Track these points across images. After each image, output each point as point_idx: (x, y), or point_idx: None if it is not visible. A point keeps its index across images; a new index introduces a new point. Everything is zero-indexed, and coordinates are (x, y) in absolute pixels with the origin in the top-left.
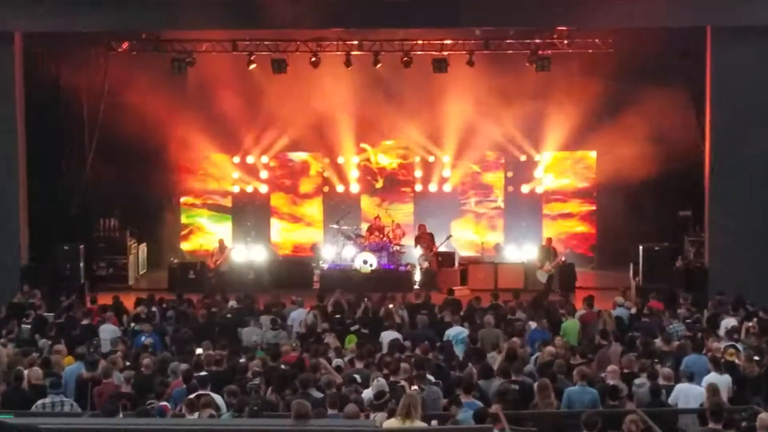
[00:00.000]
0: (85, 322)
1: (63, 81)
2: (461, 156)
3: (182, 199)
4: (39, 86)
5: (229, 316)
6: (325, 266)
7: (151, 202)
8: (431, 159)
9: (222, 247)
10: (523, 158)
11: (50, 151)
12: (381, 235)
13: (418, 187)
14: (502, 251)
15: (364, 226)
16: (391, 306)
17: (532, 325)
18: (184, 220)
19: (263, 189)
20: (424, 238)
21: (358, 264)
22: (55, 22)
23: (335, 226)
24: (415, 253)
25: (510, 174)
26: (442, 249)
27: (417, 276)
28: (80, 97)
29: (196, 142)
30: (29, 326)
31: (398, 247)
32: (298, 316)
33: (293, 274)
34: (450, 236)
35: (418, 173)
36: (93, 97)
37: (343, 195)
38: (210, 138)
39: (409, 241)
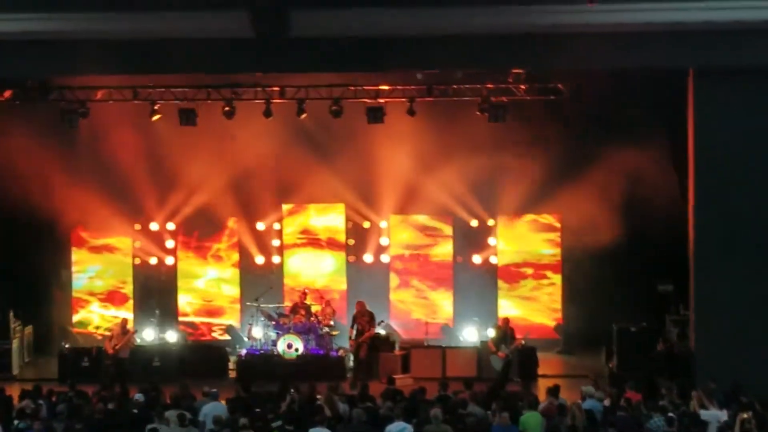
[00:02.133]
0: None
1: None
2: (401, 221)
3: (74, 275)
4: None
5: (134, 411)
6: (243, 351)
7: (37, 278)
8: (366, 224)
9: (124, 329)
10: (474, 223)
11: None
12: (308, 315)
13: (351, 258)
14: (450, 333)
15: (288, 304)
16: (319, 397)
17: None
18: (75, 294)
19: (169, 260)
20: (362, 318)
21: (281, 348)
22: None
23: (254, 303)
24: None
25: (459, 242)
26: (379, 330)
27: (351, 362)
28: None
29: (91, 207)
30: None
31: (328, 329)
32: (212, 410)
33: (206, 360)
34: (381, 321)
35: (351, 241)
36: None
37: (263, 267)
38: (107, 202)
39: (340, 320)
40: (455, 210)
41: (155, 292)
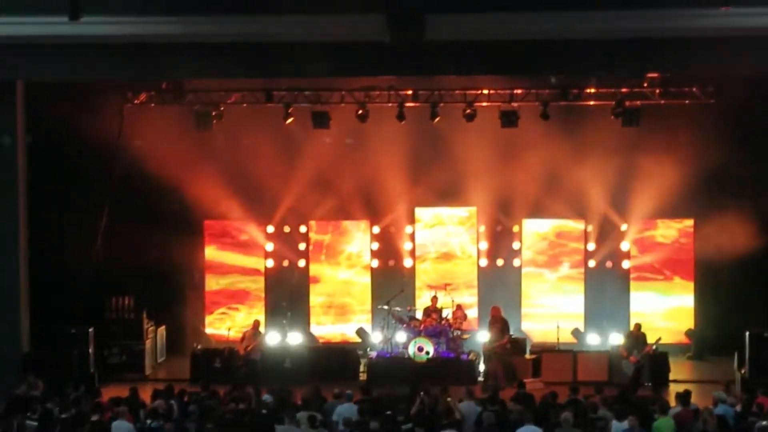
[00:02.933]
0: (94, 418)
1: (72, 138)
2: (535, 225)
3: (207, 275)
4: (44, 144)
5: (264, 411)
6: (374, 354)
7: (170, 278)
8: (499, 228)
9: (256, 331)
10: (607, 228)
11: (55, 218)
12: (439, 318)
13: (483, 262)
14: (582, 338)
15: (420, 308)
16: (450, 400)
17: (619, 425)
18: (207, 295)
19: (301, 263)
20: (496, 325)
21: (412, 351)
22: (59, 71)
23: (385, 307)
24: (479, 340)
25: (592, 247)
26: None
27: (481, 366)
28: (92, 156)
29: (224, 209)
30: (35, 423)
31: (459, 332)
32: (345, 411)
33: (336, 363)
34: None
35: (484, 245)
36: (106, 157)
37: (394, 270)
38: (240, 204)
39: (471, 324)
40: (588, 214)
41: (287, 294)
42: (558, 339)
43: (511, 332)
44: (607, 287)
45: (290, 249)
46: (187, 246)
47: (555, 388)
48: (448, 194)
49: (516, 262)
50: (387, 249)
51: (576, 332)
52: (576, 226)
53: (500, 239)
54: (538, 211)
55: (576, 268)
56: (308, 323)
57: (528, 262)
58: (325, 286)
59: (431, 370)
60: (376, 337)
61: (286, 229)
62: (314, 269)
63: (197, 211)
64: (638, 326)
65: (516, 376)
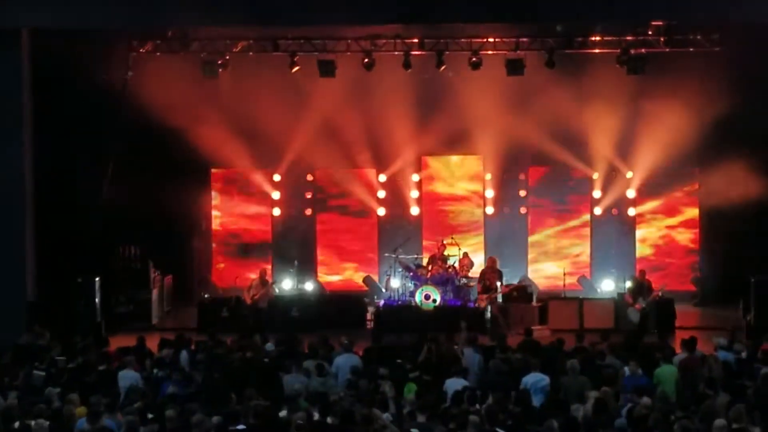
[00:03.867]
0: (101, 367)
1: (78, 85)
2: (540, 173)
3: (214, 223)
4: (50, 90)
5: (266, 360)
6: (381, 302)
7: (177, 227)
8: (505, 176)
9: (263, 280)
10: (612, 175)
11: (62, 165)
12: (446, 266)
13: (489, 210)
14: (588, 285)
15: (426, 255)
16: (456, 346)
17: (626, 370)
18: (215, 244)
19: (308, 212)
20: (489, 276)
21: (419, 299)
22: (65, 18)
23: (392, 254)
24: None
25: (598, 194)
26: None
27: (488, 313)
28: (98, 102)
29: (232, 157)
30: (42, 372)
31: (466, 280)
32: (345, 361)
33: (343, 311)
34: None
35: (490, 193)
36: (112, 103)
37: (401, 219)
38: (247, 152)
39: (477, 272)
40: (593, 162)
41: (294, 242)
42: (564, 286)
43: (514, 282)
44: (612, 234)
45: (297, 197)
46: (194, 194)
47: (561, 336)
48: (454, 142)
49: (522, 210)
50: (393, 197)
51: (582, 280)
52: (582, 174)
53: (506, 187)
54: (543, 158)
55: (581, 216)
56: (315, 272)
57: (534, 209)
58: (333, 234)
59: (438, 318)
60: (382, 285)
61: (293, 177)
62: (321, 218)
63: (204, 159)
64: (643, 273)
65: (513, 323)
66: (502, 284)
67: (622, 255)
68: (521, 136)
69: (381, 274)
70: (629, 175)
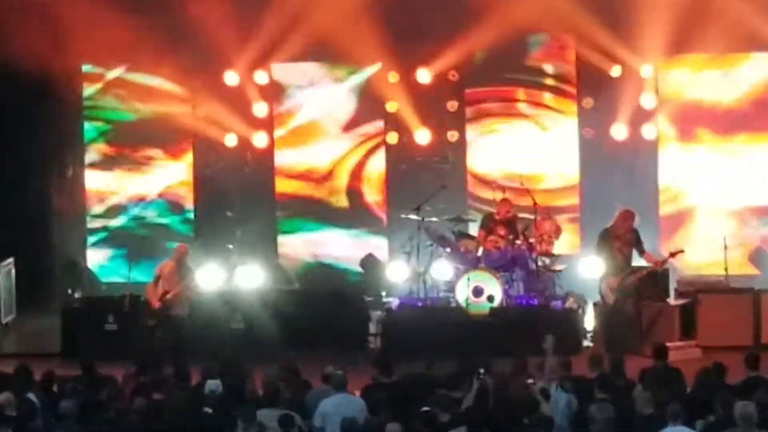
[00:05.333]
0: None
1: None
2: (675, 66)
3: (90, 169)
4: None
5: (207, 410)
6: (395, 301)
7: (26, 175)
8: (615, 72)
9: (179, 266)
10: None
11: None
12: (512, 236)
13: (588, 134)
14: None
15: (476, 218)
16: (532, 382)
17: None
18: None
19: (259, 140)
20: (623, 239)
21: (463, 296)
22: None
23: (414, 216)
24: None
25: None
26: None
27: (590, 320)
28: None
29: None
30: None
31: (548, 260)
32: (336, 407)
33: (326, 318)
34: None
35: (588, 102)
36: None
37: (427, 150)
38: (155, 40)
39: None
40: None
41: (235, 196)
42: (726, 269)
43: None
44: None
45: (240, 115)
46: (60, 122)
47: (721, 357)
48: (523, 18)
49: (649, 132)
50: (414, 112)
51: (759, 256)
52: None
53: (617, 90)
54: (679, 44)
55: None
56: (275, 248)
57: (671, 131)
58: (304, 179)
59: (498, 329)
60: (397, 272)
61: (232, 78)
62: (283, 150)
63: (78, 53)
64: None
65: (647, 336)
66: (665, 257)
67: None
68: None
69: (394, 251)
70: None
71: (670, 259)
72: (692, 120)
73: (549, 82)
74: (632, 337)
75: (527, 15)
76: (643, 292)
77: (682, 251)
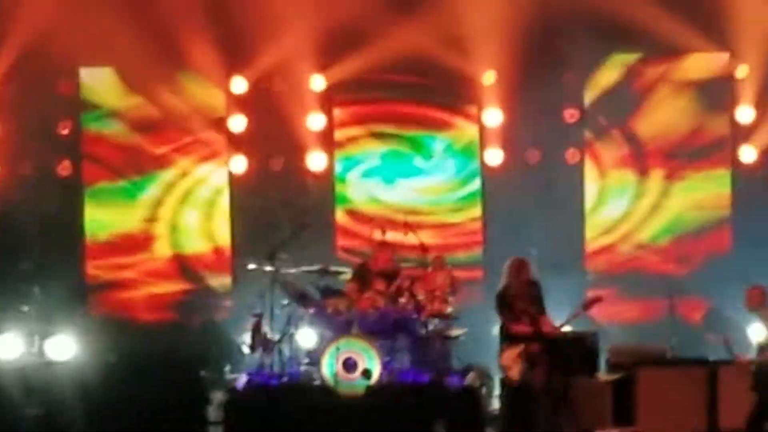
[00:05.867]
0: None
1: None
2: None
3: None
4: None
5: None
6: (241, 379)
7: None
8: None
9: None
10: None
11: None
12: (394, 292)
13: (494, 158)
14: (724, 325)
15: (349, 270)
16: None
17: None
18: None
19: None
20: (524, 296)
21: (330, 371)
22: None
23: (265, 268)
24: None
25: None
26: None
27: (496, 400)
28: None
29: None
30: None
31: (442, 324)
32: None
33: (153, 399)
34: (586, 308)
35: (496, 117)
36: None
37: (283, 180)
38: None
39: (469, 302)
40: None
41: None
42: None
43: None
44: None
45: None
46: None
47: None
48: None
49: (571, 157)
50: (267, 133)
51: (712, 319)
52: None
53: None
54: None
55: (711, 164)
56: (85, 308)
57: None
58: (107, 213)
59: (376, 413)
60: (244, 340)
61: None
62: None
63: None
64: None
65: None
66: (568, 318)
67: None
68: None
69: (240, 312)
70: None
71: (582, 314)
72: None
73: (440, 96)
74: (548, 423)
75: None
76: (565, 356)
77: (598, 299)
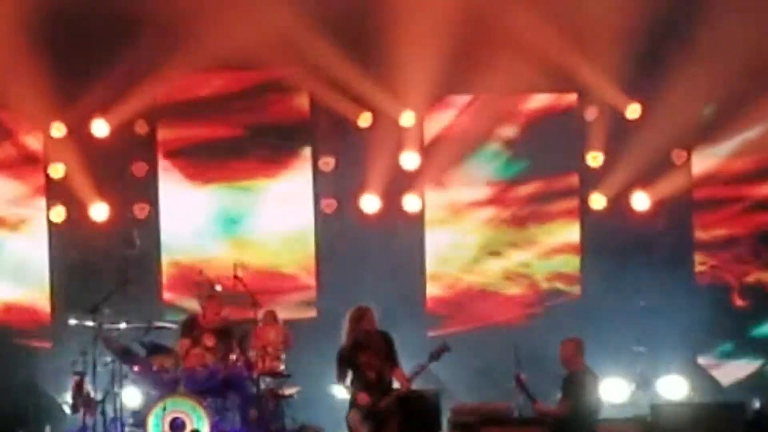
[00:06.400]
0: None
1: None
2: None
3: None
4: None
5: None
6: None
7: None
8: (363, 122)
9: None
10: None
11: None
12: (224, 349)
13: (327, 206)
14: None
15: (176, 325)
16: None
17: None
18: None
19: None
20: (370, 349)
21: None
22: None
23: (86, 323)
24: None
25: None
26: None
27: None
28: None
29: None
30: None
31: (275, 382)
32: None
33: None
34: (433, 359)
35: (328, 164)
36: None
37: (99, 230)
38: None
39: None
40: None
41: None
42: (521, 387)
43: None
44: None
45: None
46: None
47: None
48: None
49: (411, 204)
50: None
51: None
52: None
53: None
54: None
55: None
56: None
57: (440, 202)
58: None
59: None
60: (64, 399)
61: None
62: None
63: None
64: None
65: None
66: (416, 370)
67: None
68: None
69: (60, 370)
70: None
71: (429, 366)
72: None
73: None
74: None
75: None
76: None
77: (446, 348)
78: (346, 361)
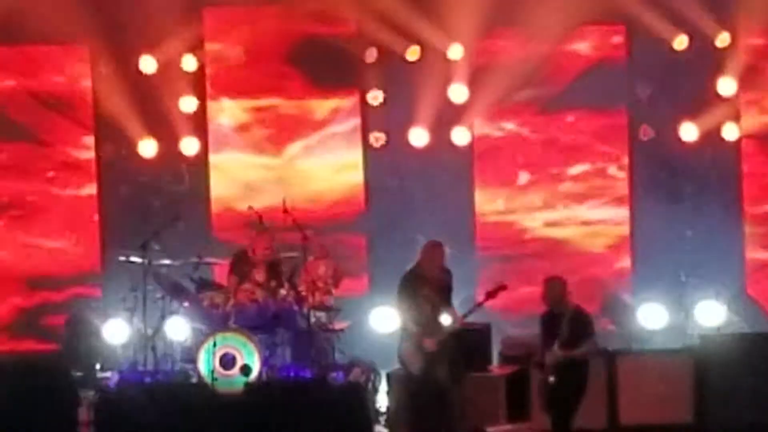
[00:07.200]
0: None
1: None
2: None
3: None
4: None
5: None
6: (112, 378)
7: None
8: (412, 55)
9: None
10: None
11: None
12: (274, 284)
13: (376, 139)
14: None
15: (225, 261)
16: None
17: None
18: None
19: None
20: (433, 282)
21: (206, 367)
22: None
23: (136, 259)
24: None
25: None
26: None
27: (384, 397)
28: None
29: None
30: None
31: (325, 314)
32: None
33: (17, 401)
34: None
35: (377, 97)
36: None
37: (147, 167)
38: None
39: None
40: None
41: None
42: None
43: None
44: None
45: None
46: None
47: None
48: None
49: (460, 136)
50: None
51: (613, 304)
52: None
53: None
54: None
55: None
56: None
57: (484, 136)
58: None
59: (256, 412)
60: (115, 335)
61: None
62: None
63: None
64: None
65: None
66: (471, 308)
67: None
68: None
69: (111, 306)
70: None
71: (486, 304)
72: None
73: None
74: (446, 420)
75: None
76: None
77: (502, 287)
78: (409, 290)
